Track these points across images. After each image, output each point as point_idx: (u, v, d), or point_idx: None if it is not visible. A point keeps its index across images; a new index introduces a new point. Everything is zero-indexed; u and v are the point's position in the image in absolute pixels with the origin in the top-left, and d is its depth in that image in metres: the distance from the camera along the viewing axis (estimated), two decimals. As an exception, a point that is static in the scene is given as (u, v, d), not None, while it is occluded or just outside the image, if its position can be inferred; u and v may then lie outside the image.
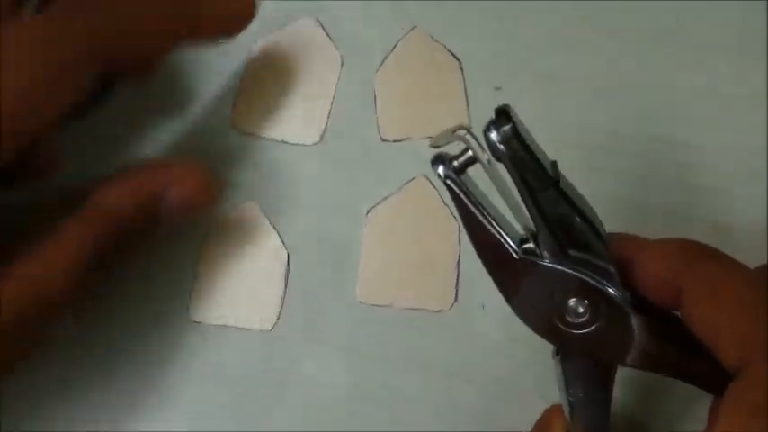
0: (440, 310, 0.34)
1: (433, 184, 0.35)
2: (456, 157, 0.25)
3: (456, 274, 0.34)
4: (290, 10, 0.38)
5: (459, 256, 0.34)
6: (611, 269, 0.25)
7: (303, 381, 0.33)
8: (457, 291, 0.34)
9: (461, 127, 0.25)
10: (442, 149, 0.25)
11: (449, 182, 0.25)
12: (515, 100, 0.36)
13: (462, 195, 0.25)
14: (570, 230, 0.25)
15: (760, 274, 0.27)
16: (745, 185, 0.35)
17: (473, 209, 0.25)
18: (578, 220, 0.25)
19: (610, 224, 0.34)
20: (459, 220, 0.26)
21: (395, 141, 0.36)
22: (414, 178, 0.35)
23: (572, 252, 0.25)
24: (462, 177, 0.25)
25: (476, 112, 0.36)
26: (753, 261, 0.34)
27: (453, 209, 0.26)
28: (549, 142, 0.36)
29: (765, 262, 0.34)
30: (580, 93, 0.36)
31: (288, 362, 0.34)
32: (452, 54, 0.37)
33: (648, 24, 0.37)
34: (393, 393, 0.33)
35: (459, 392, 0.33)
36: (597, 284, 0.25)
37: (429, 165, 0.25)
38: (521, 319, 0.26)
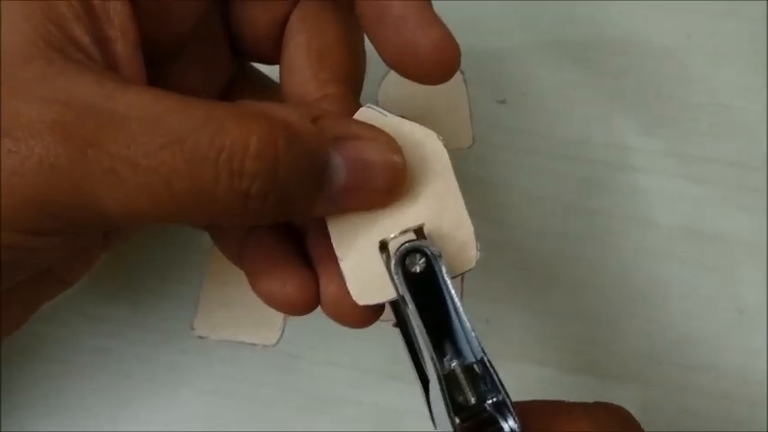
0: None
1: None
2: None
3: (460, 289, 0.34)
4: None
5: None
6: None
7: (307, 396, 0.33)
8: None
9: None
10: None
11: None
12: (518, 113, 0.37)
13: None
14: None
15: None
16: (746, 198, 0.35)
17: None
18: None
19: (609, 240, 0.35)
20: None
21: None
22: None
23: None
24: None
25: (479, 124, 0.36)
26: (754, 275, 0.35)
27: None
28: (552, 157, 0.37)
29: (766, 275, 0.35)
30: (585, 107, 0.36)
31: (292, 377, 0.34)
32: (456, 66, 0.36)
33: (656, 40, 0.37)
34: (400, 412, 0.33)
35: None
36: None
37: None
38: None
